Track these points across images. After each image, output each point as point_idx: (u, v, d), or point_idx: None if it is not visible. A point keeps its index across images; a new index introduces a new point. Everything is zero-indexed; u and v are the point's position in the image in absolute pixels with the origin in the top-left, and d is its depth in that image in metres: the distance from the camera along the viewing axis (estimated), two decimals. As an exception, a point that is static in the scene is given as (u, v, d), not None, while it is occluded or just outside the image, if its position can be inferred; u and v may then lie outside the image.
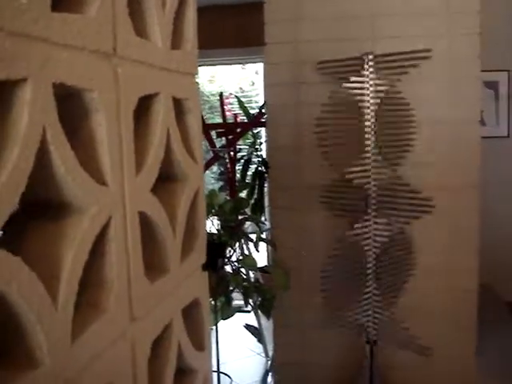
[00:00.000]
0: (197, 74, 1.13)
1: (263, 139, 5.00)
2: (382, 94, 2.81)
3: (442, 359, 3.39)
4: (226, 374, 3.92)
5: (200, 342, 1.15)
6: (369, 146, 2.80)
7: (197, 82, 1.13)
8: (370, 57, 2.81)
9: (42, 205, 0.71)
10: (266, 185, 4.44)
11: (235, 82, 8.09)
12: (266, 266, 3.58)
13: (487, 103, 5.21)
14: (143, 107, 0.91)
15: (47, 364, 0.63)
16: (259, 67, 6.51)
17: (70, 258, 0.67)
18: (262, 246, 3.94)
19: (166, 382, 0.97)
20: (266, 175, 4.40)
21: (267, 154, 3.65)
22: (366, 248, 2.83)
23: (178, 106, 1.05)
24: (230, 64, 6.49)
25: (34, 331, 0.61)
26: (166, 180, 1.03)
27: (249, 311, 4.52)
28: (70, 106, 0.72)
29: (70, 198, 0.69)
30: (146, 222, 0.89)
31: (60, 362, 0.65)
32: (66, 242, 0.68)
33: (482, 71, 4.23)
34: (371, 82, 2.77)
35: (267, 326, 4.08)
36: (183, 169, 1.04)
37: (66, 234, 0.69)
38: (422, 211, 2.74)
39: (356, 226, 2.85)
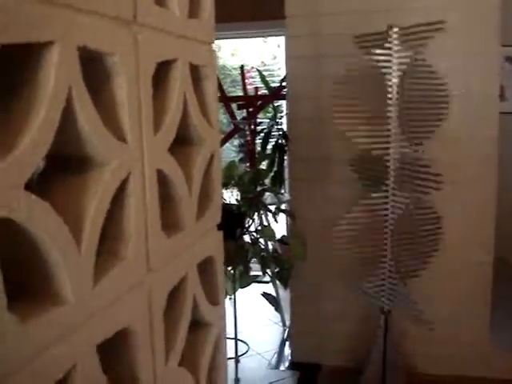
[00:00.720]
0: (213, 42, 1.18)
1: (284, 112, 5.04)
2: (405, 67, 2.81)
3: (456, 331, 3.45)
4: (243, 342, 4.01)
5: (214, 297, 1.21)
6: (391, 118, 2.82)
7: (213, 50, 1.18)
8: (395, 29, 2.81)
9: (66, 160, 0.77)
10: (285, 157, 4.50)
11: (257, 56, 8.11)
12: (283, 236, 3.65)
13: (508, 78, 5.18)
14: (162, 73, 0.97)
15: (71, 302, 0.70)
16: (281, 41, 6.52)
17: (92, 207, 0.73)
18: (281, 217, 4.01)
19: (181, 332, 1.04)
20: (285, 148, 4.46)
21: (287, 127, 3.70)
22: (385, 218, 2.88)
23: (195, 72, 1.10)
24: (252, 37, 6.50)
25: (60, 271, 0.68)
26: (183, 143, 1.09)
27: (267, 282, 4.60)
28: (93, 69, 0.78)
29: (93, 153, 0.76)
30: (163, 181, 0.95)
31: (83, 301, 0.72)
32: (88, 194, 0.75)
33: (504, 46, 4.22)
34: (396, 55, 2.78)
35: (284, 296, 4.15)
36: (199, 132, 1.10)
37: (88, 187, 0.75)
38: (436, 185, 2.76)
39: (374, 195, 2.89)
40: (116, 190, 0.79)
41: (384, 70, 2.82)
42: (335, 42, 3.27)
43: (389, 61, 2.80)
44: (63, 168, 0.77)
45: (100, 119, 0.74)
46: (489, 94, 3.26)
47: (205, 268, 1.18)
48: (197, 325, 1.18)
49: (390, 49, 2.78)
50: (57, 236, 0.66)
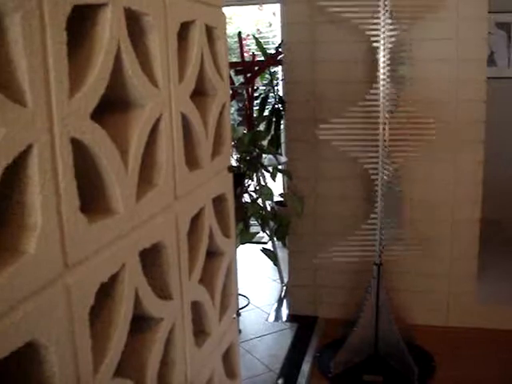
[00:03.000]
0: (222, 6, 1.35)
1: (280, 78, 5.19)
2: (393, 39, 2.96)
3: (444, 283, 3.66)
4: (244, 296, 4.22)
5: (227, 229, 1.40)
6: (382, 80, 2.98)
7: (223, 13, 1.35)
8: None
9: (111, 103, 0.94)
10: (282, 121, 4.67)
11: (252, 24, 8.21)
12: (281, 194, 3.83)
13: (499, 44, 5.31)
14: (183, 33, 1.13)
15: (121, 213, 0.88)
16: (276, 8, 6.62)
17: (135, 138, 0.91)
18: (278, 177, 4.19)
19: (200, 254, 1.23)
20: (282, 112, 4.62)
21: (284, 90, 3.86)
22: (374, 171, 3.06)
23: (209, 33, 1.27)
24: (247, 5, 6.60)
25: (113, 187, 0.86)
26: (200, 94, 1.26)
27: (265, 242, 4.80)
28: (132, 26, 0.95)
29: (134, 96, 0.93)
30: (185, 124, 1.13)
31: (129, 213, 0.90)
32: (132, 128, 0.92)
33: (495, 12, 4.37)
34: (385, 23, 2.93)
35: (282, 256, 4.36)
36: (213, 84, 1.28)
37: (131, 123, 0.93)
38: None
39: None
40: (152, 126, 0.97)
41: (374, 45, 2.96)
42: (328, 8, 3.41)
43: (377, 35, 2.94)
44: (109, 110, 0.94)
45: (140, 67, 0.92)
46: (477, 58, 3.41)
47: (218, 205, 1.37)
48: (212, 255, 1.36)
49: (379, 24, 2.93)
50: (111, 157, 0.84)
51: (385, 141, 3.02)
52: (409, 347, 3.20)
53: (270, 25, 7.98)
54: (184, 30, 1.13)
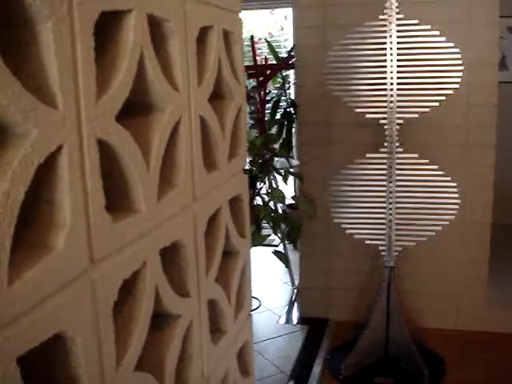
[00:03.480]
0: (240, 11, 1.38)
1: (292, 82, 5.22)
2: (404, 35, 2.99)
3: (455, 286, 3.67)
4: (255, 298, 4.25)
5: (242, 230, 1.43)
6: (389, 85, 3.01)
7: (240, 19, 1.38)
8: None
9: (133, 106, 0.97)
10: (293, 125, 4.69)
11: (264, 28, 8.25)
12: (293, 197, 3.85)
13: (510, 48, 5.32)
14: (201, 38, 1.17)
15: (143, 212, 0.91)
16: (288, 12, 6.65)
17: (156, 140, 0.95)
18: (290, 181, 4.22)
19: (217, 253, 1.26)
20: (293, 115, 4.65)
21: (295, 93, 3.89)
22: (383, 177, 3.08)
23: (226, 37, 1.30)
24: (259, 9, 6.63)
25: (136, 186, 0.89)
26: (217, 98, 1.29)
27: (276, 245, 4.83)
28: (154, 32, 0.98)
29: (156, 99, 0.97)
30: (203, 126, 1.16)
31: (151, 212, 0.93)
32: (153, 130, 0.96)
33: (506, 17, 4.37)
34: (395, 24, 2.95)
35: (293, 258, 4.38)
36: (230, 88, 1.31)
37: (152, 125, 0.96)
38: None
39: (368, 155, 3.09)
40: (172, 129, 1.00)
41: (381, 40, 2.99)
42: (342, 11, 3.44)
43: (385, 31, 2.96)
44: (131, 113, 0.97)
45: (161, 72, 0.95)
46: (488, 62, 3.42)
47: (234, 206, 1.40)
48: (227, 254, 1.39)
49: (385, 20, 2.95)
50: (134, 157, 0.87)
51: (393, 142, 3.04)
52: (419, 350, 3.22)
53: (282, 29, 8.01)
54: (202, 34, 1.17)
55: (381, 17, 2.95)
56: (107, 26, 0.85)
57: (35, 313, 0.67)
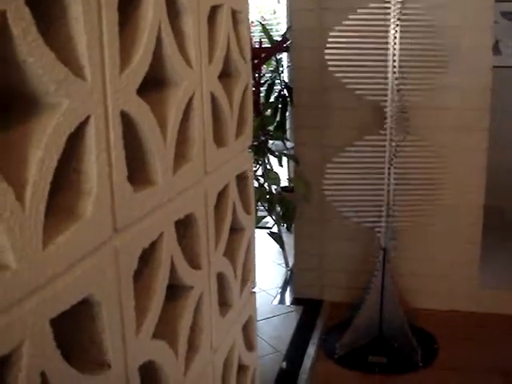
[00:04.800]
0: (246, -9, 1.40)
1: (285, 65, 5.24)
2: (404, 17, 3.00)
3: (447, 268, 3.71)
4: (249, 279, 4.28)
5: (247, 206, 1.46)
6: (391, 67, 3.03)
7: (247, -1, 1.40)
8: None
9: (150, 80, 1.00)
10: (287, 108, 4.71)
11: (256, 11, 8.24)
12: (288, 178, 3.88)
13: (504, 33, 5.34)
14: (211, 16, 1.19)
15: (160, 183, 0.94)
16: (281, -4, 6.65)
17: (172, 114, 0.97)
18: (284, 163, 4.25)
19: (225, 228, 1.29)
20: (288, 99, 4.67)
21: (292, 76, 3.90)
22: (379, 160, 3.11)
23: (234, 16, 1.32)
24: (254, -8, 6.62)
25: (154, 158, 0.91)
26: (225, 76, 1.32)
27: (270, 227, 4.87)
28: (168, 8, 1.00)
29: (171, 75, 0.99)
30: (213, 103, 1.18)
31: (166, 185, 0.96)
32: (169, 105, 0.98)
33: (500, 1, 4.39)
34: (395, 7, 2.97)
35: (287, 241, 4.42)
36: (237, 66, 1.33)
37: (168, 100, 0.99)
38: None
39: (367, 137, 3.12)
40: (186, 104, 1.02)
41: (382, 23, 3.01)
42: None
43: (388, 13, 2.98)
44: (147, 87, 1.00)
45: (177, 47, 0.97)
46: (482, 46, 3.44)
47: (240, 182, 1.42)
48: (233, 230, 1.42)
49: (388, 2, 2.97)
50: (153, 131, 0.90)
51: (393, 124, 3.07)
52: (412, 330, 3.27)
53: (274, 12, 8.00)
54: (212, 13, 1.19)
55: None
56: (126, 2, 0.87)
57: (66, 277, 0.69)
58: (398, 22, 2.97)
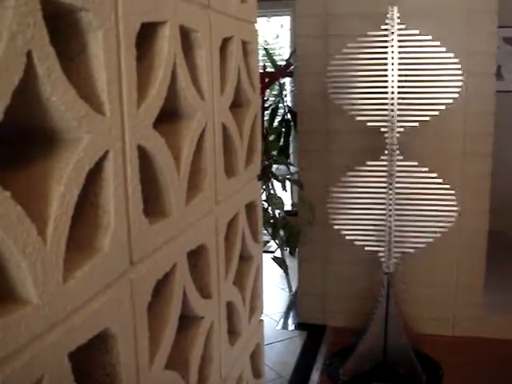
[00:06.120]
0: (256, 22, 1.42)
1: (288, 89, 5.27)
2: (405, 51, 3.03)
3: (451, 293, 3.71)
4: (253, 304, 4.27)
5: (256, 234, 1.47)
6: (390, 94, 3.05)
7: (256, 29, 1.42)
8: (396, 11, 3.02)
9: (164, 112, 1.01)
10: (291, 132, 4.74)
11: (260, 36, 8.30)
12: (292, 204, 3.89)
13: (506, 59, 5.38)
14: (222, 48, 1.20)
15: (173, 215, 0.94)
16: (284, 20, 6.71)
17: (186, 146, 0.98)
18: (288, 187, 4.25)
19: (234, 257, 1.29)
20: (291, 123, 4.69)
21: (296, 100, 3.92)
22: (383, 185, 3.11)
23: (244, 47, 1.34)
24: (258, 17, 6.68)
25: (168, 190, 0.92)
26: (235, 105, 1.33)
27: (273, 251, 4.87)
28: (182, 41, 1.01)
29: (185, 107, 1.00)
30: (224, 133, 1.20)
31: (180, 216, 0.97)
32: (182, 137, 0.99)
33: (502, 27, 4.43)
34: (396, 34, 3.00)
35: (290, 265, 4.41)
36: (247, 96, 1.35)
37: (182, 132, 1.00)
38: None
39: (369, 163, 3.13)
40: (199, 136, 1.04)
41: (383, 50, 3.03)
42: (342, 21, 3.49)
43: (387, 41, 3.01)
44: (161, 120, 1.01)
45: (190, 80, 0.99)
46: (486, 72, 3.47)
47: (249, 211, 1.43)
48: (242, 258, 1.43)
49: (387, 30, 3.00)
50: (167, 163, 0.91)
51: (394, 150, 3.08)
52: (417, 356, 3.25)
53: (277, 36, 8.06)
54: (223, 44, 1.20)
55: (382, 27, 2.99)
56: (142, 37, 0.89)
57: (84, 310, 0.70)
58: (398, 50, 2.99)
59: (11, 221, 0.56)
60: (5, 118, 0.55)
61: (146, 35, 0.89)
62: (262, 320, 1.56)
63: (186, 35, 1.02)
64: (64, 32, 0.71)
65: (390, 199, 3.12)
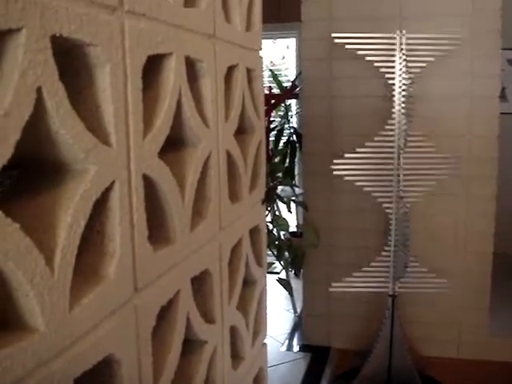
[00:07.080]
0: (261, 49, 1.44)
1: (294, 111, 5.30)
2: (412, 75, 3.07)
3: (457, 316, 3.70)
4: (258, 325, 4.27)
5: (259, 259, 1.48)
6: (397, 116, 3.08)
7: (261, 56, 1.44)
8: (404, 36, 3.06)
9: (169, 140, 1.03)
10: (296, 154, 4.77)
11: (266, 57, 8.36)
12: (297, 225, 3.90)
13: (510, 81, 5.41)
14: (227, 76, 1.23)
15: (178, 242, 0.96)
16: (290, 42, 6.77)
17: (191, 174, 1.00)
18: (293, 209, 4.27)
19: (238, 281, 1.31)
20: (296, 144, 4.72)
21: (301, 123, 3.95)
22: (388, 205, 3.13)
23: (248, 74, 1.37)
24: (264, 39, 6.75)
25: (173, 217, 0.94)
26: (240, 132, 1.35)
27: (277, 273, 4.88)
28: (187, 71, 1.04)
29: (189, 135, 1.02)
30: (229, 160, 1.22)
31: (184, 243, 0.98)
32: (187, 165, 1.01)
33: (506, 49, 4.46)
34: (402, 60, 3.04)
35: (295, 287, 4.42)
36: (252, 123, 1.37)
37: (186, 160, 1.02)
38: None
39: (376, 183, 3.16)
40: (203, 163, 1.06)
41: (388, 76, 3.07)
42: (346, 44, 3.52)
43: (393, 67, 3.05)
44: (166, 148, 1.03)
45: (195, 110, 1.01)
46: (490, 94, 3.49)
47: (253, 235, 1.45)
48: (246, 282, 1.44)
49: (394, 56, 3.04)
50: (172, 191, 0.93)
51: (398, 175, 3.10)
52: (421, 378, 3.25)
53: (283, 57, 8.12)
54: (228, 72, 1.23)
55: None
56: (148, 68, 0.91)
57: (90, 337, 0.71)
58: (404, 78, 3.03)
59: (20, 252, 0.58)
60: (14, 151, 0.57)
61: (152, 66, 0.91)
62: (265, 343, 1.57)
63: (191, 65, 1.04)
64: (72, 66, 0.73)
65: (391, 234, 3.14)
